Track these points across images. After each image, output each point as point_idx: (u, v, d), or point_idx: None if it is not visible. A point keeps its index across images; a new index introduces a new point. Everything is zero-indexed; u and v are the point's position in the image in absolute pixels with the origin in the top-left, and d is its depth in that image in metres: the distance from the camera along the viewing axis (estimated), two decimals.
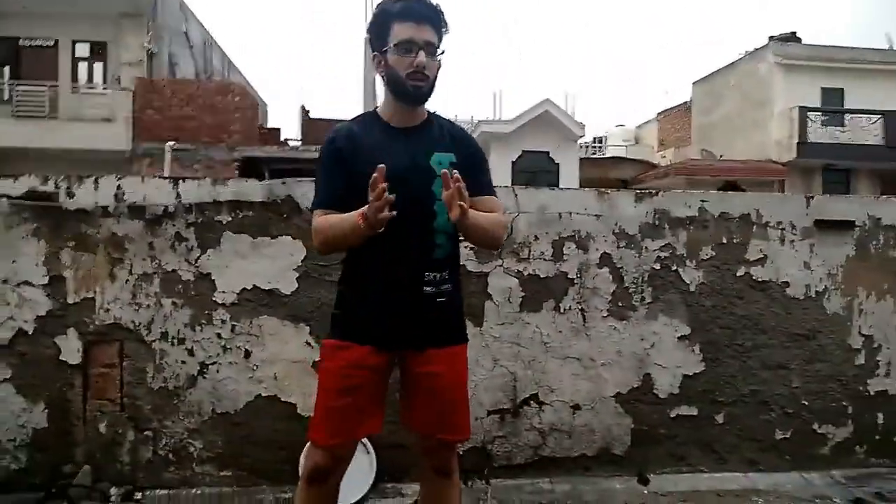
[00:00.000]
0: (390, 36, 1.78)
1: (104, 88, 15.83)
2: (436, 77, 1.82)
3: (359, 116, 1.96)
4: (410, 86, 1.79)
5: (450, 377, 1.85)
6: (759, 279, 3.03)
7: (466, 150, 1.89)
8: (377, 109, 1.92)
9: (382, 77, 1.85)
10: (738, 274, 3.02)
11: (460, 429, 1.90)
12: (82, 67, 16.38)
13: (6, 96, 15.34)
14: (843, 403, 3.09)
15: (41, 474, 2.64)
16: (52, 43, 16.02)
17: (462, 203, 1.64)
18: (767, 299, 3.04)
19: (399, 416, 1.93)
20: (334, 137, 1.87)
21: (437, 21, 1.80)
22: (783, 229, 3.06)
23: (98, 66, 16.35)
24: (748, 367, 3.02)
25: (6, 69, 15.89)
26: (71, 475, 2.62)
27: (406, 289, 1.80)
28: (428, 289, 1.81)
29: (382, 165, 1.61)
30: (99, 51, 16.21)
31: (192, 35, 18.79)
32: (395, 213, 1.62)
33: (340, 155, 1.81)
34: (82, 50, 16.30)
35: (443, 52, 1.82)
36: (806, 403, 3.06)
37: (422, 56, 1.76)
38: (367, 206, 1.64)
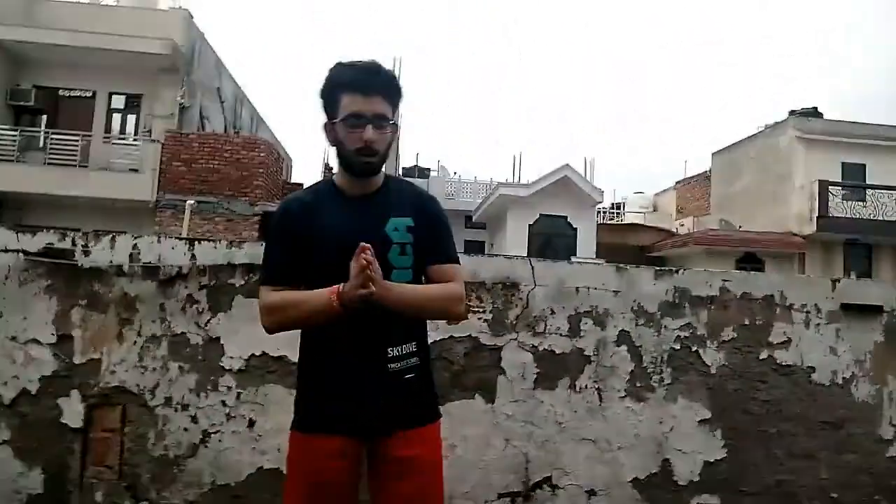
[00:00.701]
0: (339, 107, 1.73)
1: (135, 140, 16.29)
2: (388, 148, 1.77)
3: (313, 185, 1.91)
4: (359, 162, 1.73)
5: (422, 460, 1.74)
6: (784, 363, 2.92)
7: (425, 214, 1.80)
8: (333, 177, 1.86)
9: (332, 146, 1.79)
10: (760, 357, 2.91)
11: None
12: (116, 118, 16.96)
13: (41, 144, 15.83)
14: (876, 497, 2.92)
15: None
16: (90, 94, 16.63)
17: (368, 279, 1.56)
18: (792, 384, 2.92)
19: None
20: (286, 208, 1.81)
21: (388, 91, 1.74)
22: (808, 312, 2.97)
23: (131, 118, 16.92)
24: (773, 456, 2.87)
25: (43, 118, 16.46)
26: None
27: (369, 367, 1.70)
28: (393, 365, 1.72)
29: (367, 245, 1.56)
30: (134, 103, 16.80)
31: (224, 90, 19.40)
32: (374, 290, 1.56)
33: (292, 227, 1.75)
34: (118, 102, 16.91)
35: (394, 123, 1.76)
36: (835, 496, 2.89)
37: (370, 131, 1.70)
38: (341, 283, 1.59)
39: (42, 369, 2.62)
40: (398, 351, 1.73)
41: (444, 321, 2.30)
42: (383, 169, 1.83)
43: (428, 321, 1.91)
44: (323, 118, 1.80)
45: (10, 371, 2.62)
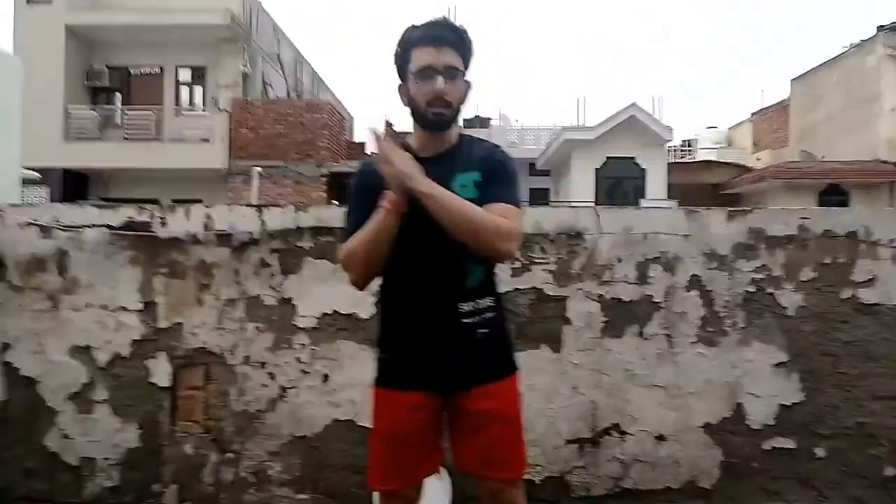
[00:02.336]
0: (411, 63, 1.72)
1: (203, 111, 16.79)
2: (461, 101, 1.75)
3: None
4: (431, 114, 1.71)
5: (498, 413, 1.76)
6: (868, 302, 2.78)
7: (490, 165, 1.77)
8: (407, 138, 1.84)
9: (407, 106, 1.78)
10: (842, 296, 2.78)
11: (512, 466, 1.79)
12: (184, 91, 17.48)
13: (118, 121, 16.57)
14: None
15: (132, 492, 2.78)
16: (158, 69, 17.19)
17: (390, 159, 1.61)
18: (877, 324, 2.78)
19: (452, 458, 1.85)
20: (361, 172, 1.85)
21: (459, 42, 1.72)
22: (895, 247, 2.80)
23: (198, 90, 17.41)
24: (854, 398, 2.77)
25: (118, 96, 17.18)
26: (159, 494, 2.74)
27: (442, 323, 1.72)
28: (467, 320, 1.73)
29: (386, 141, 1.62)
30: (199, 75, 17.27)
31: (283, 56, 19.63)
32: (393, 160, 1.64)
33: (366, 190, 1.76)
34: (184, 75, 17.41)
35: (466, 75, 1.74)
36: None
37: (440, 82, 1.68)
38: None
39: (131, 334, 2.81)
40: (471, 306, 1.74)
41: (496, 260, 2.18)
42: (457, 128, 1.82)
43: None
44: (397, 81, 1.80)
45: (103, 336, 2.81)
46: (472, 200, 1.68)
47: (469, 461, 1.79)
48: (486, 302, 1.77)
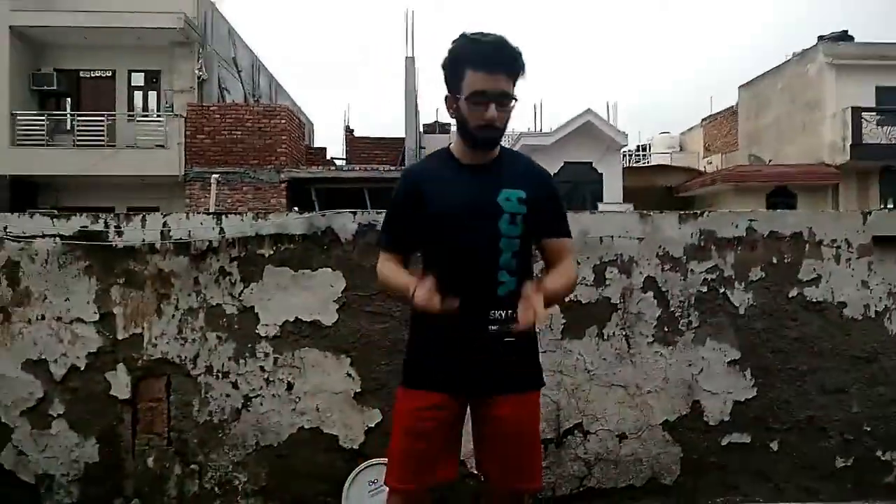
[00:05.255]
0: (463, 82, 1.74)
1: (158, 116, 16.45)
2: (507, 123, 1.80)
3: (434, 153, 1.97)
4: (480, 137, 1.77)
5: (517, 422, 1.79)
6: (814, 300, 2.90)
7: (539, 189, 1.85)
8: (450, 146, 1.90)
9: (453, 118, 1.82)
10: (790, 295, 2.90)
11: (529, 477, 1.83)
12: (138, 96, 17.12)
13: (68, 126, 16.10)
14: None
15: None
16: (110, 73, 16.77)
17: (530, 310, 1.66)
18: (823, 321, 2.91)
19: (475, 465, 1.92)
20: (408, 173, 1.92)
21: (513, 68, 1.75)
22: (838, 247, 2.93)
23: (152, 95, 17.05)
24: (804, 392, 2.89)
25: (68, 100, 16.69)
26: None
27: (471, 329, 1.76)
28: (494, 327, 1.76)
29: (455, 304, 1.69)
30: (153, 79, 16.92)
31: (240, 60, 19.37)
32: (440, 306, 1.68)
33: (411, 194, 1.83)
34: (138, 79, 17.04)
35: (516, 99, 1.78)
36: (868, 429, 2.90)
37: (493, 110, 1.72)
38: (421, 281, 1.68)
39: (88, 346, 2.75)
40: (500, 315, 1.77)
41: None
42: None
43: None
44: (445, 90, 1.82)
45: (58, 349, 2.75)
46: (514, 214, 1.78)
47: (487, 467, 1.85)
48: (514, 313, 1.77)
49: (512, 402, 1.79)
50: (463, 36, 1.77)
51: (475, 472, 1.91)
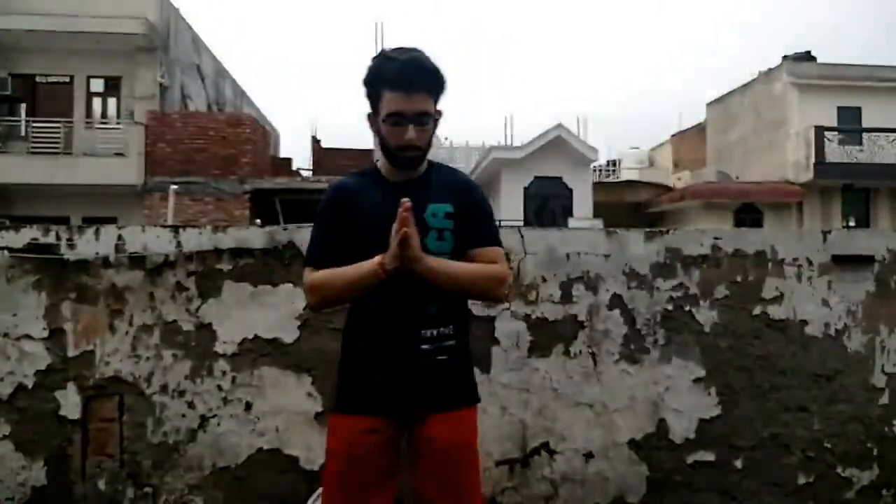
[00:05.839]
0: (381, 103, 1.72)
1: (118, 123, 16.07)
2: (430, 142, 1.77)
3: (360, 171, 1.93)
4: (400, 158, 1.74)
5: (453, 441, 1.76)
6: (776, 318, 2.93)
7: (465, 199, 1.81)
8: (377, 163, 1.87)
9: (375, 137, 1.79)
10: (754, 313, 2.92)
11: (465, 496, 1.78)
12: (97, 102, 16.69)
13: (22, 133, 15.60)
14: (868, 445, 2.96)
15: None
16: (67, 79, 16.32)
17: (407, 249, 1.59)
18: (785, 339, 2.94)
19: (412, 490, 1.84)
20: (334, 191, 1.84)
21: (431, 87, 1.72)
22: (800, 266, 2.97)
23: (112, 101, 16.65)
24: (767, 410, 2.91)
25: (23, 106, 16.19)
26: None
27: (403, 347, 1.72)
28: (425, 346, 1.73)
29: (407, 204, 1.58)
30: (113, 85, 16.50)
31: (204, 67, 19.09)
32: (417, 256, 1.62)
33: (335, 210, 1.78)
34: (97, 85, 16.59)
35: (436, 119, 1.75)
36: (829, 446, 2.93)
37: (411, 131, 1.69)
38: (384, 255, 1.63)
39: (36, 363, 2.62)
40: (433, 333, 1.74)
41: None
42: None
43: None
44: (367, 107, 1.79)
45: (4, 367, 2.62)
46: (441, 230, 1.74)
47: (424, 487, 1.78)
48: (448, 330, 1.77)
49: (447, 420, 1.75)
50: (381, 54, 1.74)
51: (413, 496, 1.83)
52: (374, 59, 1.74)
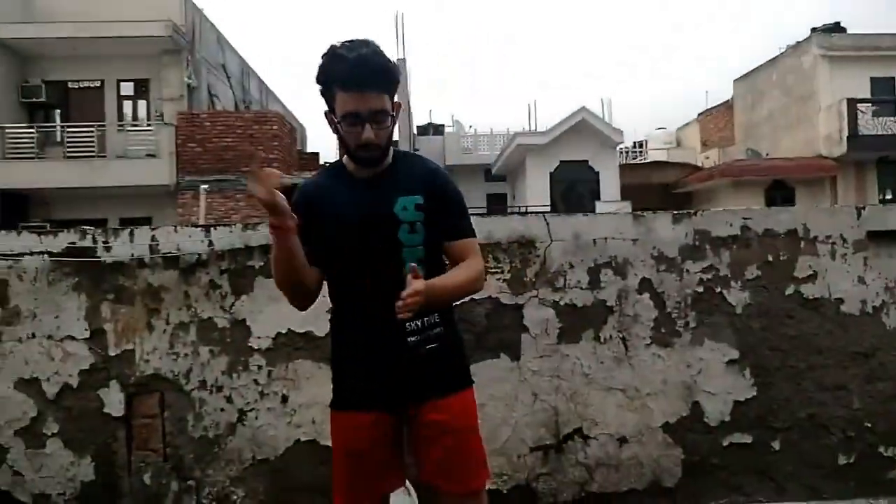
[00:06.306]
0: (336, 103, 1.69)
1: (148, 125, 16.36)
2: (389, 138, 1.74)
3: (327, 168, 1.92)
4: (361, 157, 1.72)
5: (451, 425, 1.76)
6: (810, 297, 2.89)
7: (434, 190, 1.78)
8: (343, 159, 1.84)
9: (335, 135, 1.77)
10: (787, 293, 2.88)
11: (466, 480, 1.79)
12: (127, 105, 16.99)
13: (58, 138, 16.00)
14: None
15: None
16: (98, 83, 16.66)
17: (411, 296, 1.58)
18: (820, 318, 2.89)
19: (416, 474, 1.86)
20: (301, 192, 1.82)
21: (382, 84, 1.68)
22: (833, 243, 2.91)
23: (142, 104, 16.95)
24: (803, 390, 2.87)
25: (57, 112, 16.59)
26: None
27: (389, 343, 1.72)
28: (412, 338, 1.73)
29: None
30: (142, 88, 16.80)
31: (229, 66, 19.30)
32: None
33: (305, 210, 1.73)
34: (126, 88, 16.90)
35: (394, 112, 1.72)
36: (869, 425, 2.88)
37: (368, 131, 1.66)
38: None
39: (80, 363, 2.71)
40: (418, 324, 1.74)
41: None
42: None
43: None
44: (323, 105, 1.76)
45: (50, 368, 2.71)
46: (413, 223, 1.72)
47: (428, 473, 1.80)
48: (433, 318, 1.77)
49: (444, 406, 1.76)
50: (330, 51, 1.69)
51: (418, 480, 1.86)
52: (324, 56, 1.69)
